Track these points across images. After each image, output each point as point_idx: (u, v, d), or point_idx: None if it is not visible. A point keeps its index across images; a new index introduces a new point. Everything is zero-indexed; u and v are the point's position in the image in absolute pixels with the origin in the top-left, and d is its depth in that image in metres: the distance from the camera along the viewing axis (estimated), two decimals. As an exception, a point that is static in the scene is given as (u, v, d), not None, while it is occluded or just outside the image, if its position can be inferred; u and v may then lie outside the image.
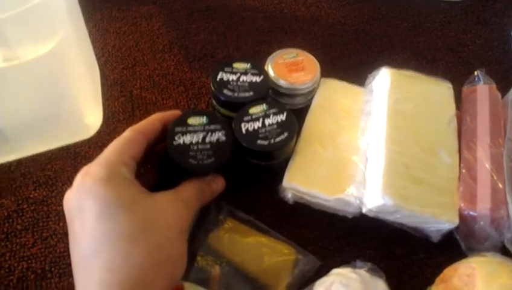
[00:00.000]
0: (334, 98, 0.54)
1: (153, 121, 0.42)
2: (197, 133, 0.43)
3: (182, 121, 0.43)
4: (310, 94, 0.55)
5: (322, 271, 0.43)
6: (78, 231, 0.35)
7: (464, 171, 0.46)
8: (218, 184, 0.44)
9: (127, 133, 0.40)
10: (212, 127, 0.43)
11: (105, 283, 0.33)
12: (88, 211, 0.35)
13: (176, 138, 0.42)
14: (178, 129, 0.42)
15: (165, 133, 0.42)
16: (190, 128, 0.43)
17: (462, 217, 0.43)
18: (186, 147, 0.42)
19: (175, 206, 0.38)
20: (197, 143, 0.42)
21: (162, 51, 0.64)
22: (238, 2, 0.72)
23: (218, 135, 0.43)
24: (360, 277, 0.39)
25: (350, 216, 0.47)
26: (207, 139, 0.42)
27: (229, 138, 0.43)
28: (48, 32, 0.44)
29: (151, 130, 0.41)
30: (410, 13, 0.72)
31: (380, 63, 0.57)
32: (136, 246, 0.34)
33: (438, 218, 0.43)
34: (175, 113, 0.44)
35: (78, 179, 0.36)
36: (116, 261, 0.33)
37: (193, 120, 0.43)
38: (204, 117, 0.44)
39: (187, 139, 0.42)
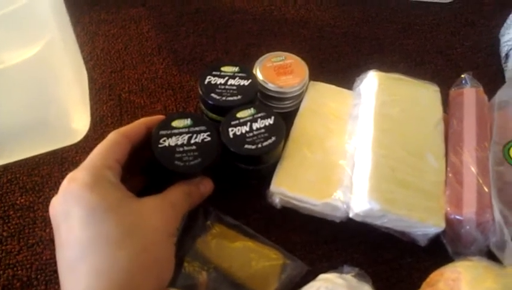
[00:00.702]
0: (322, 101, 0.54)
1: (137, 124, 0.42)
2: (182, 135, 0.43)
3: (166, 124, 0.43)
4: (299, 98, 0.55)
5: (309, 276, 0.43)
6: (64, 236, 0.35)
7: (450, 175, 0.46)
8: (206, 186, 0.44)
9: (111, 137, 0.40)
10: (197, 128, 0.43)
11: (92, 288, 0.32)
12: (74, 217, 0.35)
13: (161, 141, 0.42)
14: (163, 132, 0.42)
15: (150, 137, 0.42)
16: (175, 131, 0.43)
17: (449, 221, 0.43)
18: (171, 149, 0.42)
19: (161, 209, 0.38)
20: (183, 145, 0.42)
21: (151, 54, 0.64)
22: (227, 5, 0.72)
23: (204, 136, 0.43)
24: (346, 282, 0.39)
25: (338, 221, 0.47)
26: (192, 141, 0.42)
27: (215, 139, 0.43)
28: (33, 35, 0.43)
29: (136, 133, 0.41)
30: (400, 15, 0.72)
31: (369, 66, 0.57)
32: (122, 250, 0.34)
33: (424, 222, 0.43)
34: (160, 118, 0.44)
35: (64, 184, 0.36)
36: (102, 266, 0.33)
37: (177, 123, 0.43)
38: (189, 119, 0.44)
39: (172, 141, 0.42)
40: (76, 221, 0.34)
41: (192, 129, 0.43)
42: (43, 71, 0.46)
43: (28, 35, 0.43)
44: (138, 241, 0.35)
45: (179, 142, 0.42)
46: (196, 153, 0.42)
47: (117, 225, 0.35)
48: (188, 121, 0.44)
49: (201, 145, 0.42)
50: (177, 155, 0.41)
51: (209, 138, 0.43)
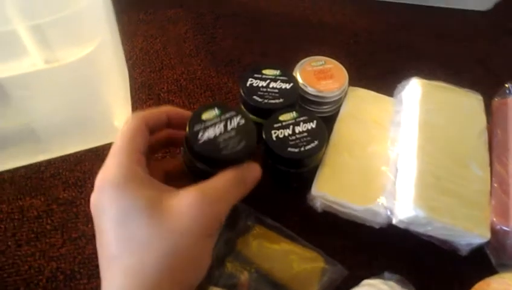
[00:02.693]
0: (362, 107, 0.54)
1: (159, 112, 0.41)
2: (217, 125, 0.41)
3: (197, 119, 0.41)
4: (337, 102, 0.55)
5: (348, 281, 0.43)
6: (103, 234, 0.35)
7: (495, 185, 0.46)
8: (256, 169, 0.41)
9: (134, 124, 0.39)
10: (228, 115, 0.42)
11: (125, 287, 0.33)
12: (108, 216, 0.35)
13: (199, 136, 0.40)
14: (197, 128, 0.41)
15: (186, 138, 0.41)
16: (208, 123, 0.41)
17: (494, 232, 0.43)
18: (212, 141, 0.40)
19: (197, 207, 0.36)
20: (221, 134, 0.41)
21: (189, 55, 0.65)
22: (263, 8, 0.73)
23: (238, 120, 0.42)
24: (391, 289, 0.39)
25: (377, 226, 0.47)
26: (228, 127, 0.41)
27: (249, 120, 0.42)
28: (87, 37, 0.44)
29: (156, 120, 0.40)
30: (436, 23, 0.72)
31: (407, 73, 0.57)
32: (152, 252, 0.34)
33: (469, 232, 0.42)
34: (183, 111, 0.43)
35: (97, 183, 0.36)
36: (134, 266, 0.33)
37: (207, 115, 0.42)
38: (216, 109, 0.42)
39: (210, 133, 0.41)
40: (111, 221, 0.34)
41: (223, 117, 0.42)
42: (92, 71, 0.47)
43: (83, 36, 0.44)
44: (168, 244, 0.34)
45: (217, 132, 0.41)
46: (238, 138, 0.40)
47: (148, 227, 0.34)
48: (216, 111, 0.42)
49: (239, 128, 0.41)
50: (221, 145, 0.40)
51: (243, 120, 0.42)
